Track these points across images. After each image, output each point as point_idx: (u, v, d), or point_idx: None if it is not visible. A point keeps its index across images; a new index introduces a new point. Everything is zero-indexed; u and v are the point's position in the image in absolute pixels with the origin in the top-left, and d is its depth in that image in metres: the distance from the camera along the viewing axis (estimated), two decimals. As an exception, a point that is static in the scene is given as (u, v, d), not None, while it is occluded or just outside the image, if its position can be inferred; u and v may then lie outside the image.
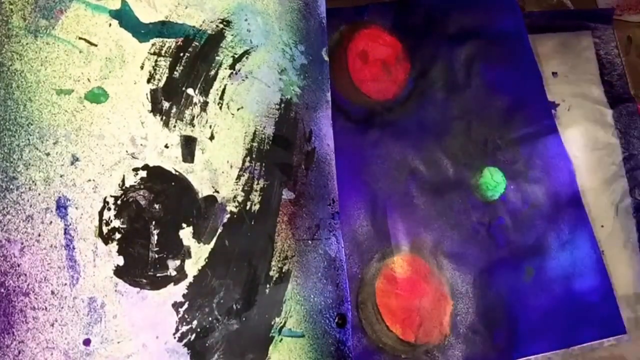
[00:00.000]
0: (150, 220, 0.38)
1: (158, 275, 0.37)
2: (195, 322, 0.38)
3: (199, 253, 0.39)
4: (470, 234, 0.49)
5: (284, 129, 0.43)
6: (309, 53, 0.46)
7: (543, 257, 0.50)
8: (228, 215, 0.40)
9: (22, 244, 0.34)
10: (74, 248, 0.35)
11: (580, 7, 0.60)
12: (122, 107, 0.38)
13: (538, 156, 0.53)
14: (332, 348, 0.41)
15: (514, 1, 0.56)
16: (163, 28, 0.40)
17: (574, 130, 0.55)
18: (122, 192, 0.37)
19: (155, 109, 0.39)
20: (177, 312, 0.37)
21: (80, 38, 0.38)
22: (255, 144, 0.42)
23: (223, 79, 0.42)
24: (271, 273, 0.40)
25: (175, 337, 0.37)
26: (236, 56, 0.43)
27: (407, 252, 0.48)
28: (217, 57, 0.42)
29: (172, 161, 0.39)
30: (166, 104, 0.40)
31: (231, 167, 0.41)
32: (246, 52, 0.43)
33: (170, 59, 0.40)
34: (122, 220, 0.37)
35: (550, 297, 0.49)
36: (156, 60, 0.40)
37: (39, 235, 0.35)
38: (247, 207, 0.41)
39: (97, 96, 0.38)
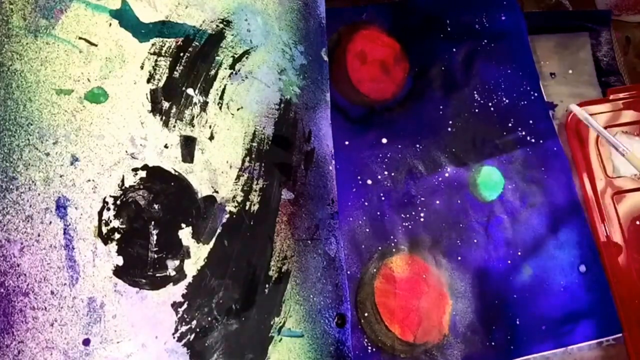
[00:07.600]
0: (149, 221, 0.38)
1: (157, 275, 0.37)
2: (194, 322, 0.38)
3: (198, 253, 0.39)
4: (469, 233, 0.49)
5: (283, 129, 0.43)
6: (309, 53, 0.46)
7: (541, 256, 0.50)
8: (227, 216, 0.40)
9: (21, 244, 0.34)
10: (73, 248, 0.35)
11: (579, 7, 0.60)
12: (122, 107, 0.38)
13: (536, 156, 0.53)
14: (332, 348, 0.41)
15: (513, 0, 0.56)
16: (163, 28, 0.40)
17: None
18: (121, 192, 0.37)
19: (155, 109, 0.39)
20: (177, 312, 0.37)
21: (80, 38, 0.38)
22: (254, 144, 0.42)
23: (223, 79, 0.42)
24: (270, 273, 0.41)
25: (174, 337, 0.37)
26: (236, 56, 0.43)
27: (406, 251, 0.48)
28: (217, 57, 0.42)
29: (171, 161, 0.39)
30: (166, 104, 0.40)
31: (230, 167, 0.41)
32: (246, 52, 0.43)
33: (170, 59, 0.40)
34: (121, 220, 0.37)
35: (548, 297, 0.49)
36: (156, 60, 0.40)
37: (39, 235, 0.35)
38: (247, 207, 0.41)
39: (97, 96, 0.38)
